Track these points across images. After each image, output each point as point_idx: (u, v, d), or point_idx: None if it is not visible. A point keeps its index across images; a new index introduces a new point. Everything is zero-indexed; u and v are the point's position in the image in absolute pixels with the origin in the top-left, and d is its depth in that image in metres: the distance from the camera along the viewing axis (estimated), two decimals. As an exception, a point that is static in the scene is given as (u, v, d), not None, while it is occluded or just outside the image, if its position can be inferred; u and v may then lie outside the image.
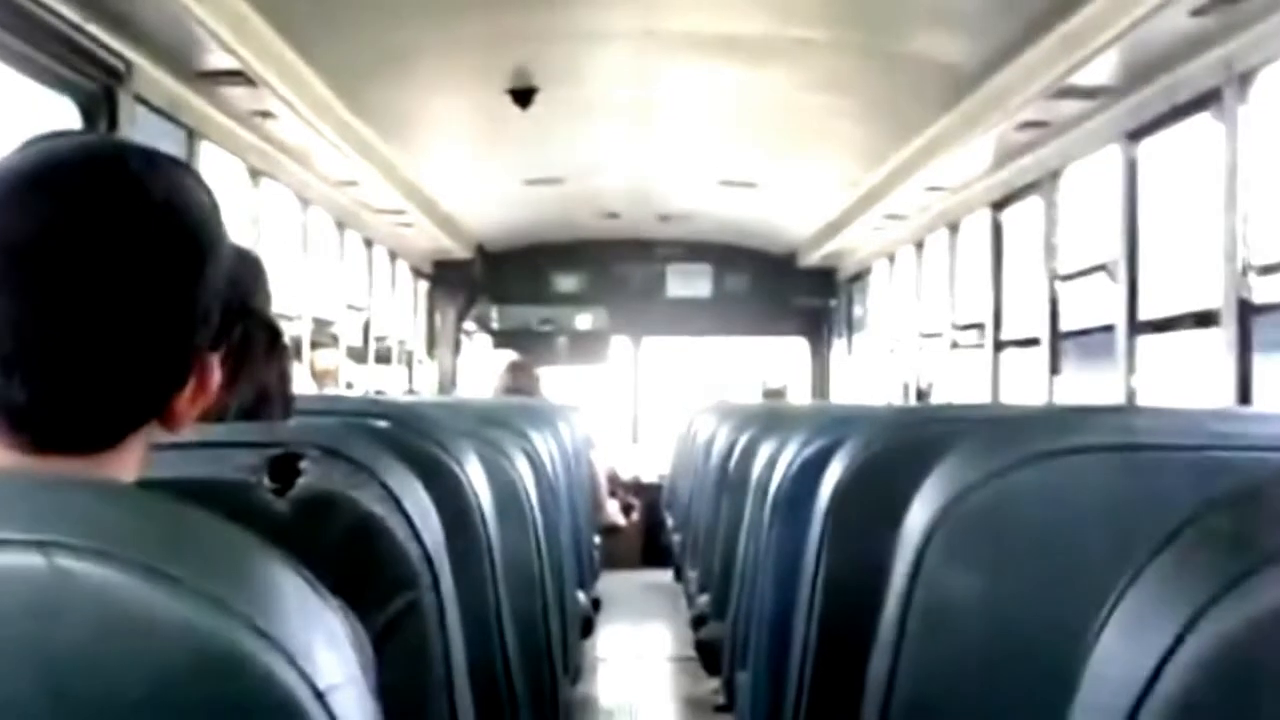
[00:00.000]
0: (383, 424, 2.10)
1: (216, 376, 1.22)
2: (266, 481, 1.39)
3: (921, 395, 8.69)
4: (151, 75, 4.52)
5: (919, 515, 1.56)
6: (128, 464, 1.16)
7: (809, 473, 2.69)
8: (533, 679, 2.71)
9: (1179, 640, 0.74)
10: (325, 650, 0.80)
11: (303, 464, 1.41)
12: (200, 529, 0.85)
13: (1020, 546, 1.49)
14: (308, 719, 0.76)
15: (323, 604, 0.84)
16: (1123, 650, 0.79)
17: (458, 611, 1.60)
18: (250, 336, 1.92)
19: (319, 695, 0.77)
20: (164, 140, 4.71)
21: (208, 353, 1.20)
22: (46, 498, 0.83)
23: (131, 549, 0.77)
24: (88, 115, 4.16)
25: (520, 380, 7.52)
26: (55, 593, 0.75)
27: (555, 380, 10.22)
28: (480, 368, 11.57)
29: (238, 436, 1.47)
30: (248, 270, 2.04)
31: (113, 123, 4.21)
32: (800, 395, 11.56)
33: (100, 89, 4.19)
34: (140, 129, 4.46)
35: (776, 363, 11.99)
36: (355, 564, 1.40)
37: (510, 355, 9.29)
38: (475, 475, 2.12)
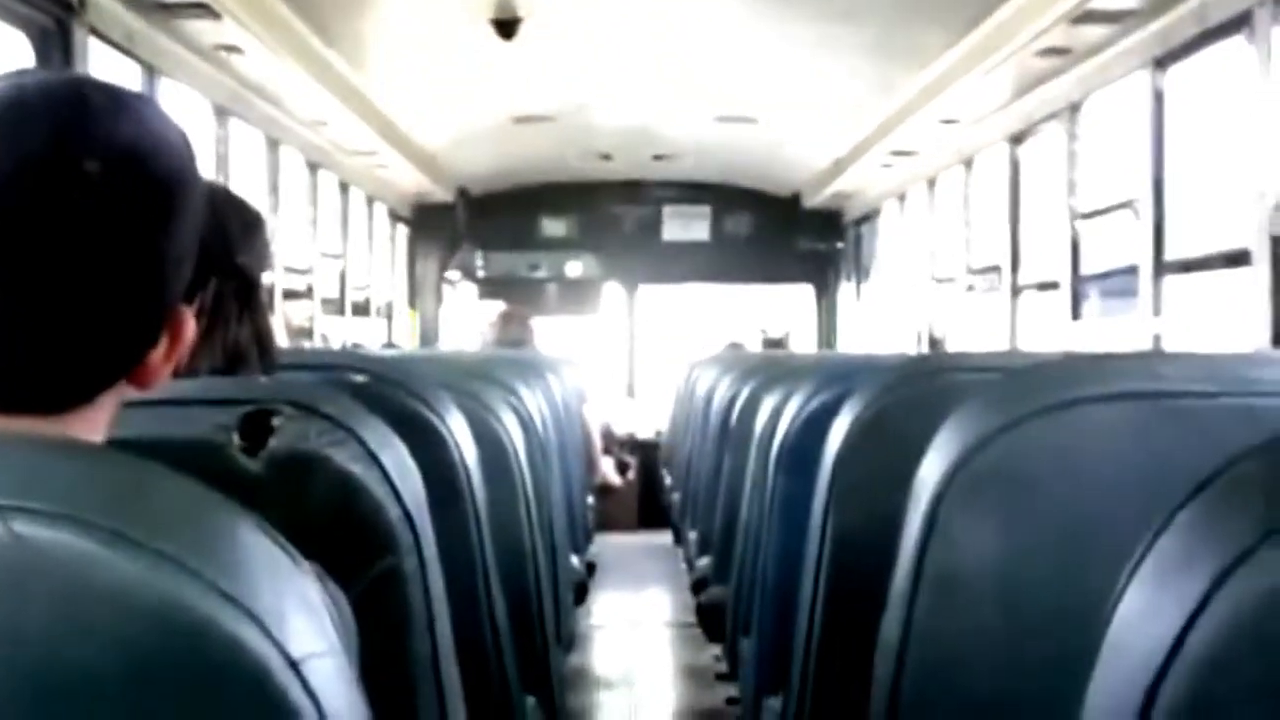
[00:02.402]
0: (361, 379, 2.10)
1: (191, 330, 1.21)
2: (237, 440, 1.39)
3: (934, 343, 8.70)
4: (107, 7, 4.49)
5: (931, 470, 1.56)
6: (97, 424, 1.16)
7: (815, 426, 2.69)
8: (524, 648, 2.73)
9: (1208, 597, 0.74)
10: (299, 617, 0.80)
11: (276, 421, 1.41)
12: (167, 490, 0.84)
13: (1038, 501, 1.49)
14: (281, 689, 0.76)
15: (297, 569, 0.84)
16: (1147, 610, 0.79)
17: (442, 577, 1.60)
18: (222, 292, 1.91)
19: (293, 664, 0.77)
20: (121, 77, 4.69)
21: (181, 305, 1.20)
22: (4, 460, 0.83)
23: (94, 513, 0.77)
24: (40, 50, 4.14)
25: (514, 331, 7.47)
26: (15, 561, 0.75)
27: (545, 331, 10.23)
28: (465, 319, 11.57)
29: (208, 393, 1.47)
30: (235, 219, 2.01)
31: (67, 58, 4.19)
32: (804, 344, 11.56)
33: (53, 22, 4.17)
34: (96, 64, 4.44)
35: (779, 311, 11.98)
36: (332, 527, 1.40)
37: (497, 305, 9.29)
38: (460, 433, 2.12)
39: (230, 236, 1.96)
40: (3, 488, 0.78)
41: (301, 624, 0.79)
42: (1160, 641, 0.76)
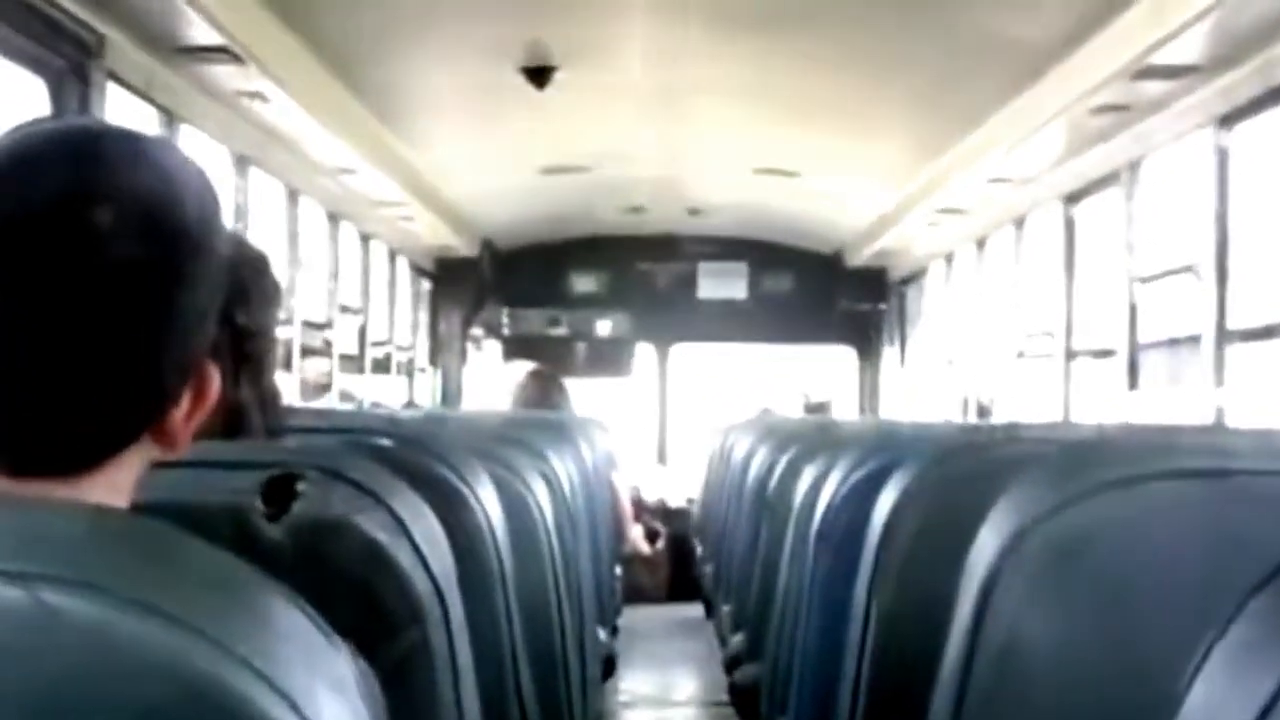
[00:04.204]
0: (386, 442, 2.11)
1: (216, 388, 1.22)
2: (259, 505, 1.40)
3: (983, 412, 8.67)
4: (127, 50, 4.55)
5: (985, 548, 1.56)
6: (118, 486, 1.15)
7: (859, 498, 2.69)
8: (550, 726, 2.72)
9: (1284, 690, 0.74)
10: (330, 695, 0.81)
11: (300, 486, 1.42)
12: (195, 559, 0.85)
13: (1099, 584, 1.48)
14: (313, 769, 0.77)
15: (328, 644, 0.85)
16: (1219, 698, 0.79)
17: (470, 650, 1.61)
18: (216, 349, 1.90)
19: (326, 744, 0.77)
20: (140, 123, 4.74)
21: (205, 361, 1.20)
22: (27, 525, 0.84)
23: (121, 581, 0.78)
24: (57, 94, 4.19)
25: (543, 393, 7.27)
26: (38, 630, 0.75)
27: (573, 393, 10.24)
28: (488, 379, 11.57)
29: (229, 456, 1.48)
30: (248, 271, 1.99)
31: (84, 103, 4.24)
32: (846, 410, 11.53)
33: (70, 65, 4.22)
34: (114, 109, 4.49)
35: (818, 374, 11.96)
36: (358, 597, 1.41)
37: (523, 365, 9.29)
38: (488, 499, 2.12)
39: (238, 288, 1.94)
40: (26, 553, 0.79)
41: (333, 703, 0.80)
42: (1233, 734, 0.76)
